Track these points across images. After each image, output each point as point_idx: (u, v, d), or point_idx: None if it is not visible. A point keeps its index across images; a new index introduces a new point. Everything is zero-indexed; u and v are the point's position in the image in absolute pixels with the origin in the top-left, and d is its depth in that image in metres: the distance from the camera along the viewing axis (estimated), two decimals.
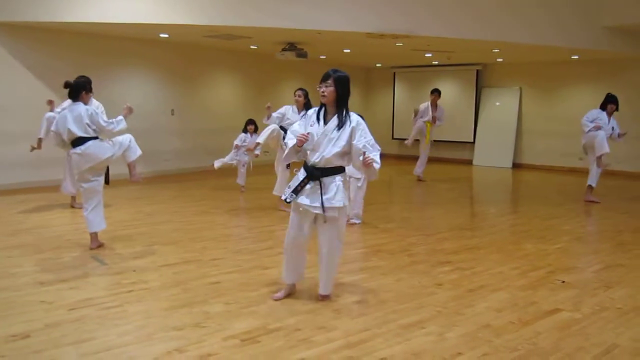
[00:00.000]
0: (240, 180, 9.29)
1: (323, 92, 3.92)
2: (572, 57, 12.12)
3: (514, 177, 12.73)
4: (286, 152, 4.08)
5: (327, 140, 3.92)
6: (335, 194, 3.92)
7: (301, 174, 3.98)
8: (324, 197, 3.90)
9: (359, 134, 3.91)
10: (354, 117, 3.97)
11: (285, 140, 4.10)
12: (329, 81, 3.91)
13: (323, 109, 4.01)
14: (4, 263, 4.98)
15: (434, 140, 11.65)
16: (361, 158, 3.85)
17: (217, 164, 9.03)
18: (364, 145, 3.88)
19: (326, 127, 3.94)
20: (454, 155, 14.83)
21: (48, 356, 3.17)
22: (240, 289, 4.37)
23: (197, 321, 3.68)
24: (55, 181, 7.71)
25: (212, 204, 8.23)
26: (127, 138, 5.59)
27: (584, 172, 9.35)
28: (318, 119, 3.99)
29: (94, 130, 5.36)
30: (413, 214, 8.04)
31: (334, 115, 3.96)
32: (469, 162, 14.54)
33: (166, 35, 10.00)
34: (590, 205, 8.65)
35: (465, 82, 14.69)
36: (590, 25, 9.88)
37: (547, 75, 13.62)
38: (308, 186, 3.96)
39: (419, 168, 11.13)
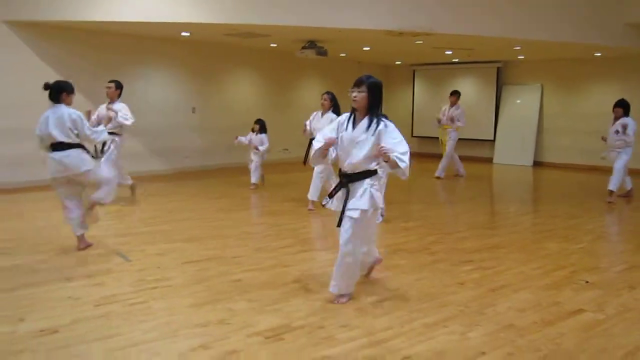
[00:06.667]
0: (253, 178, 9.33)
1: (355, 97, 3.90)
2: (595, 54, 11.97)
3: (535, 175, 12.62)
4: (312, 154, 4.12)
5: (353, 145, 3.92)
6: (361, 196, 3.90)
7: (336, 180, 4.09)
8: (348, 201, 3.93)
9: (387, 135, 3.85)
10: (384, 121, 3.92)
11: (313, 143, 4.13)
12: (362, 87, 3.89)
13: (353, 115, 4.01)
14: (30, 259, 5.07)
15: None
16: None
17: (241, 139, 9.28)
18: (387, 142, 3.83)
19: (354, 132, 3.95)
20: (474, 153, 14.71)
21: (75, 351, 3.23)
22: (263, 286, 4.40)
23: (221, 318, 3.72)
24: None
25: (232, 201, 8.28)
26: (113, 180, 5.38)
27: (606, 171, 9.22)
28: (347, 125, 4.00)
29: (77, 135, 5.15)
30: (433, 213, 8.01)
31: (362, 120, 3.95)
32: (489, 160, 14.44)
33: (187, 34, 10.07)
34: (613, 204, 8.55)
35: (486, 80, 14.58)
36: (611, 22, 9.76)
37: (569, 72, 13.46)
38: (340, 192, 4.03)
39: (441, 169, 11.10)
